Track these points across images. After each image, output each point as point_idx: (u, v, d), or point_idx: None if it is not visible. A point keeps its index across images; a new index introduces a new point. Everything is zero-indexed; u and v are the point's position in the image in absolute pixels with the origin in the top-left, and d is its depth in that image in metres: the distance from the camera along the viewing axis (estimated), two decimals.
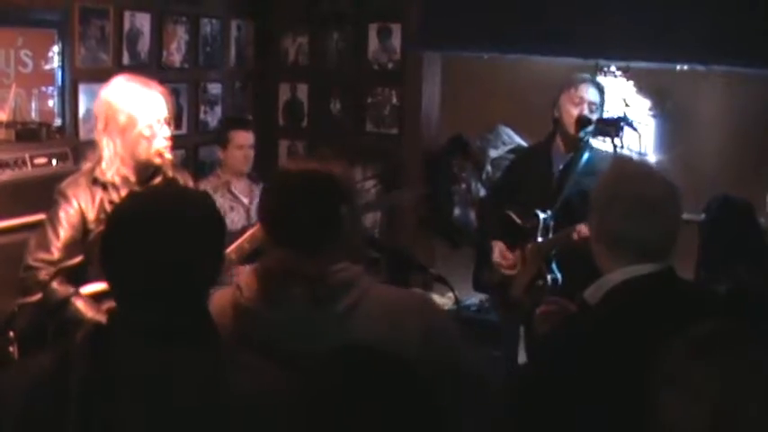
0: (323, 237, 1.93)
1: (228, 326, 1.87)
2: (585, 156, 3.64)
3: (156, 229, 1.59)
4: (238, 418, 1.55)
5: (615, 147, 3.56)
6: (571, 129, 3.67)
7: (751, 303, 3.35)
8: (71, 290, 2.88)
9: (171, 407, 1.53)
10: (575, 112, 3.67)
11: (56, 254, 2.89)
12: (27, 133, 3.89)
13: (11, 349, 3.05)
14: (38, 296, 2.99)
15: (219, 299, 1.98)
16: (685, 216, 2.13)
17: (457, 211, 5.43)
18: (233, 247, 3.22)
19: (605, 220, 2.04)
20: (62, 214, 2.91)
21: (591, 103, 3.68)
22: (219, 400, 1.54)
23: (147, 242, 1.58)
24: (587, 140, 3.66)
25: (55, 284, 2.88)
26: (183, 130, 5.18)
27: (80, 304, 2.85)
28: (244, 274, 2.01)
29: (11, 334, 3.07)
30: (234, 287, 1.98)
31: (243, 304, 1.93)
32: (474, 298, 4.81)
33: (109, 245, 1.63)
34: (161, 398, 1.53)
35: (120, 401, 1.52)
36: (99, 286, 2.88)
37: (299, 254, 1.92)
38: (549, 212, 3.65)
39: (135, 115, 2.93)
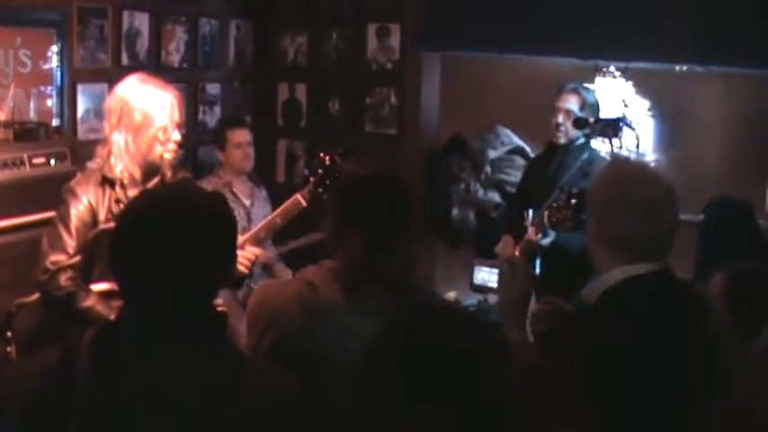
0: (402, 225, 1.95)
1: (293, 323, 1.91)
2: (583, 156, 3.80)
3: (170, 227, 1.57)
4: (243, 420, 1.53)
5: (613, 147, 3.63)
6: (553, 137, 3.98)
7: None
8: (93, 294, 2.86)
9: (175, 406, 1.52)
10: (552, 121, 3.93)
11: (72, 255, 2.85)
12: (25, 133, 3.88)
13: (8, 350, 3.04)
14: (36, 296, 2.98)
15: (282, 291, 2.00)
16: (684, 216, 2.12)
17: (456, 211, 5.42)
18: (263, 224, 3.20)
19: (604, 220, 2.03)
20: (73, 212, 2.86)
21: (567, 111, 3.88)
22: (225, 400, 1.53)
23: (160, 240, 1.56)
24: (582, 142, 3.89)
25: (81, 292, 2.84)
26: (182, 130, 5.17)
27: (101, 308, 2.82)
28: (312, 271, 2.00)
29: (8, 334, 3.05)
30: (303, 283, 1.98)
31: (320, 304, 1.93)
32: (472, 298, 4.80)
33: (120, 243, 1.60)
34: (166, 397, 1.52)
35: (125, 400, 1.51)
36: (103, 286, 2.87)
37: (377, 248, 1.92)
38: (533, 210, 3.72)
39: (152, 115, 2.90)
